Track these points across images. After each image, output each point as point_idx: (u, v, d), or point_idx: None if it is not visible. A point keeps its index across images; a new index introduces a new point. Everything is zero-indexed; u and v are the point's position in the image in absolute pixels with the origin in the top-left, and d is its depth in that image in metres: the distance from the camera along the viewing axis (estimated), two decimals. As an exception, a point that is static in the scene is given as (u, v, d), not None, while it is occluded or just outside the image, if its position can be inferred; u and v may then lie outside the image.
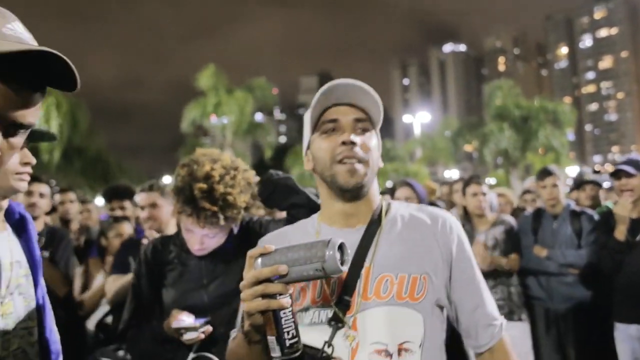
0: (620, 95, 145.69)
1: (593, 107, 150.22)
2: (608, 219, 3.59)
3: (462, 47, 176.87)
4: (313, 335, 1.23)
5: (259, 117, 27.67)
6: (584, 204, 4.97)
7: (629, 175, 3.35)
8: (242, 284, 1.09)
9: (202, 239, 2.04)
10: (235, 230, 2.17)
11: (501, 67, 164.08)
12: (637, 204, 3.37)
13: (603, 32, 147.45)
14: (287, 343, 1.06)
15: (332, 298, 1.26)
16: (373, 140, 1.34)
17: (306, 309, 1.28)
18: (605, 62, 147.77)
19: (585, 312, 3.82)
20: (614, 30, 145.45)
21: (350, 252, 1.22)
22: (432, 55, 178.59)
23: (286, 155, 32.67)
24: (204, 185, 1.91)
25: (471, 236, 3.93)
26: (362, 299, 1.25)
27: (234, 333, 1.38)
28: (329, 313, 1.25)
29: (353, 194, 1.32)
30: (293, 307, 1.09)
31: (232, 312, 2.11)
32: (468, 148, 37.15)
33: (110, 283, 3.15)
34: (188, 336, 1.97)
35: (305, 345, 1.14)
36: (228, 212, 1.95)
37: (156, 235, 2.94)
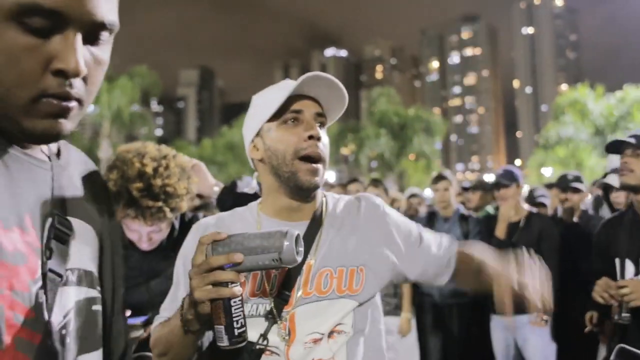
0: (481, 110, 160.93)
1: (458, 119, 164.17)
2: (490, 222, 4.05)
3: (343, 53, 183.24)
4: (249, 328, 1.18)
5: (135, 107, 26.22)
6: (469, 207, 5.47)
7: (505, 186, 3.77)
8: (191, 270, 1.05)
9: (150, 235, 1.97)
10: (177, 225, 2.11)
11: (379, 75, 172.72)
12: (514, 210, 3.82)
13: (469, 51, 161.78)
14: (236, 332, 1.03)
15: (271, 292, 1.25)
16: (326, 136, 1.32)
17: (244, 301, 1.22)
18: (470, 79, 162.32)
19: (469, 306, 4.19)
20: (477, 51, 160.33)
21: None
22: (314, 58, 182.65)
23: (165, 149, 31.59)
24: (140, 184, 1.82)
25: None
26: (302, 293, 1.25)
27: (159, 319, 1.32)
28: (267, 306, 1.24)
29: (307, 193, 1.30)
30: (242, 296, 1.05)
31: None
32: (345, 151, 38.59)
33: None
34: (134, 334, 1.89)
35: None
36: (172, 203, 1.89)
37: None
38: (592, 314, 3.22)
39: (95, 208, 0.88)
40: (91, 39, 0.66)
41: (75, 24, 0.63)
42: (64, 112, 0.66)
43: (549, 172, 29.52)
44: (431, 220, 4.41)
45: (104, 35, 0.67)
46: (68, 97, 0.65)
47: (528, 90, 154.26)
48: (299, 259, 1.05)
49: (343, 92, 1.29)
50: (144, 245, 2.00)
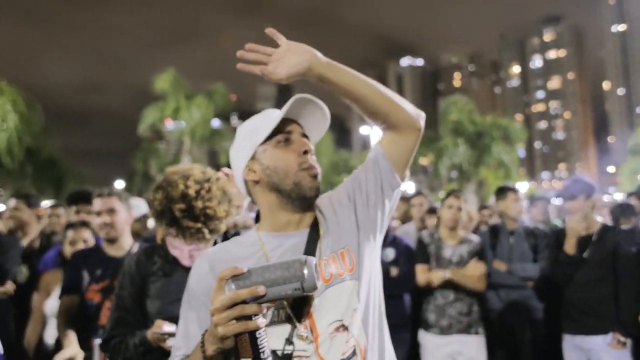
0: (567, 114, 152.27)
1: (542, 125, 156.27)
2: (558, 235, 3.83)
3: (420, 62, 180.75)
4: (272, 336, 1.24)
5: (216, 123, 27.32)
6: (536, 219, 5.25)
7: (572, 198, 3.60)
8: (213, 307, 1.06)
9: (190, 253, 2.08)
10: (219, 241, 2.20)
11: (457, 83, 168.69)
12: (586, 223, 3.61)
13: (552, 54, 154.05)
14: None
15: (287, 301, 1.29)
16: None
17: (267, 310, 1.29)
18: (554, 83, 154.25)
19: (540, 324, 4.02)
20: (562, 53, 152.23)
21: (299, 251, 1.32)
22: (390, 68, 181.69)
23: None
24: (182, 205, 1.94)
25: (440, 246, 3.93)
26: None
27: (177, 356, 1.35)
28: (287, 310, 1.28)
29: (310, 201, 1.39)
30: (265, 327, 1.07)
31: None
32: (423, 161, 37.91)
33: (59, 312, 2.96)
34: (171, 342, 2.00)
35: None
36: (211, 225, 2.00)
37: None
38: None
39: None
40: None
41: None
42: None
43: (644, 179, 27.39)
44: (494, 234, 4.28)
45: None
46: None
47: (620, 92, 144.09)
48: (319, 284, 1.08)
49: (324, 109, 1.40)
50: (186, 262, 2.11)
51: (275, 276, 1.05)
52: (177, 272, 2.16)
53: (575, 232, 3.59)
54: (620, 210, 4.89)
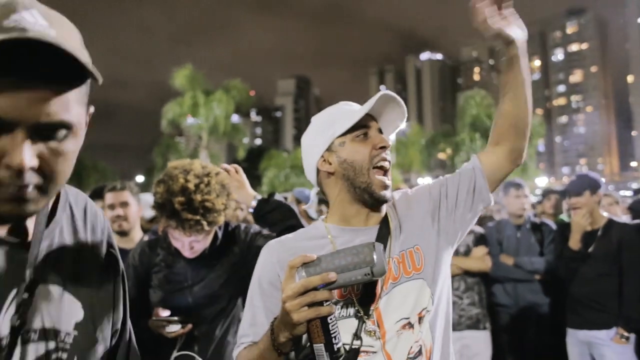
0: (589, 108, 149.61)
1: (563, 119, 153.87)
2: (564, 230, 3.87)
3: (439, 56, 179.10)
4: (342, 328, 1.25)
5: (235, 118, 27.49)
6: (548, 212, 5.25)
7: (576, 194, 3.59)
8: (285, 295, 1.08)
9: (191, 244, 2.15)
10: (220, 234, 2.28)
11: (476, 77, 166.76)
12: (589, 218, 3.62)
13: (574, 47, 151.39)
14: (335, 348, 1.07)
15: (356, 292, 1.32)
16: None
17: (334, 304, 1.31)
18: (576, 76, 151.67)
19: (545, 317, 4.03)
20: (584, 46, 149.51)
21: None
22: (409, 62, 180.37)
23: (261, 158, 32.60)
24: (182, 198, 2.00)
25: None
26: (384, 286, 1.34)
27: (241, 345, 1.40)
28: (356, 304, 1.31)
29: (380, 204, 1.41)
30: (335, 313, 1.10)
31: (215, 312, 2.25)
32: (441, 156, 37.73)
33: None
34: (170, 329, 2.09)
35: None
36: (209, 217, 2.05)
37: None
38: None
39: (87, 265, 0.97)
40: (47, 135, 0.74)
41: (21, 126, 0.70)
42: (21, 198, 0.74)
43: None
44: (500, 229, 4.30)
45: (61, 132, 0.75)
46: (23, 186, 0.73)
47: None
48: (387, 268, 1.11)
49: (403, 107, 1.44)
50: (187, 253, 2.19)
51: (345, 262, 1.07)
52: (179, 263, 2.25)
53: (580, 228, 3.60)
54: (638, 206, 4.86)
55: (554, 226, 4.24)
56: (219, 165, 2.36)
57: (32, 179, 0.73)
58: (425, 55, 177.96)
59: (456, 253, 3.95)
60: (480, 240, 4.06)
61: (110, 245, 1.05)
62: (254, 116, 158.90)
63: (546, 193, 5.55)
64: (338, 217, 1.44)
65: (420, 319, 1.33)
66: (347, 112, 1.41)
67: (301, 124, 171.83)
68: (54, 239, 0.92)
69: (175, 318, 2.09)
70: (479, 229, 4.24)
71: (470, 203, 1.45)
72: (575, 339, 3.64)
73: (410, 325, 1.31)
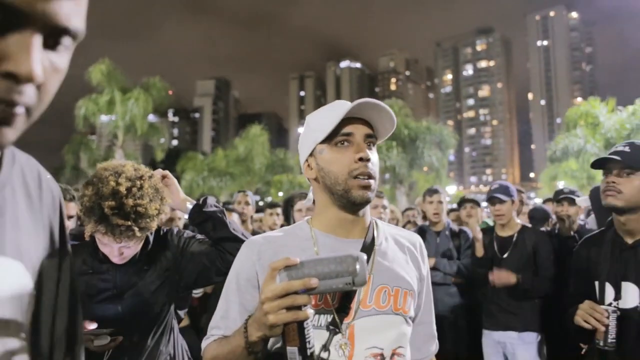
0: (495, 122, 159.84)
1: (472, 131, 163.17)
2: (484, 234, 4.06)
3: (358, 65, 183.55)
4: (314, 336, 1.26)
5: (151, 117, 26.47)
6: (464, 220, 5.51)
7: (501, 201, 3.82)
8: (265, 296, 1.08)
9: (121, 250, 2.03)
10: (151, 238, 2.17)
11: (393, 87, 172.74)
12: (507, 225, 3.85)
13: (483, 63, 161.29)
14: (308, 352, 1.08)
15: (332, 303, 1.29)
16: (376, 154, 1.39)
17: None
18: (484, 91, 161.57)
19: (462, 319, 4.23)
20: (492, 63, 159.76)
21: None
22: (329, 69, 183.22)
23: (178, 159, 31.65)
24: (112, 202, 1.87)
25: None
26: (361, 306, 1.30)
27: (211, 337, 1.37)
28: (328, 317, 1.28)
29: (360, 207, 1.36)
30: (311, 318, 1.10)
31: (147, 321, 2.12)
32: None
33: None
34: (98, 342, 1.94)
35: None
36: (142, 223, 1.93)
37: None
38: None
39: (40, 229, 0.80)
40: (51, 43, 0.58)
41: (35, 25, 0.55)
42: (8, 120, 0.56)
43: (561, 186, 29.25)
44: (422, 235, 4.46)
45: (66, 41, 0.59)
46: (14, 104, 0.56)
47: (542, 102, 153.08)
48: (367, 279, 1.12)
49: (391, 114, 1.36)
50: (116, 259, 2.06)
51: (328, 269, 1.08)
52: (107, 269, 2.11)
53: (479, 236, 3.90)
54: (538, 214, 5.24)
55: (471, 234, 4.46)
56: (156, 165, 2.25)
57: (28, 98, 0.57)
58: (344, 63, 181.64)
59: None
60: None
61: (62, 217, 0.90)
62: (171, 116, 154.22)
63: (462, 202, 5.81)
64: (322, 222, 1.41)
65: (393, 355, 1.32)
66: (334, 114, 1.34)
67: (220, 126, 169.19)
68: (5, 202, 0.74)
69: (104, 330, 1.95)
70: None
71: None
72: (491, 340, 3.85)
73: (382, 357, 1.30)
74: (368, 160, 1.32)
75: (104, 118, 25.27)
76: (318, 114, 1.44)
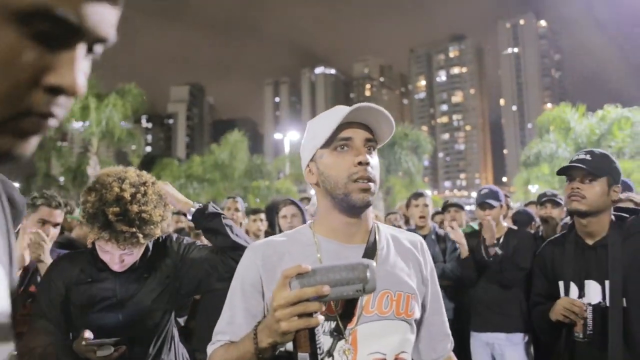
0: (468, 127, 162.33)
1: (445, 136, 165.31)
2: (469, 237, 4.14)
3: (333, 71, 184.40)
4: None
5: (124, 124, 26.04)
6: (447, 225, 5.57)
7: (491, 207, 3.90)
8: (277, 303, 1.08)
9: (122, 257, 2.00)
10: (150, 245, 2.14)
11: (368, 93, 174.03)
12: (495, 230, 3.93)
13: (456, 70, 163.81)
14: (319, 358, 1.09)
15: (336, 309, 1.30)
16: (376, 158, 1.39)
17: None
18: (457, 97, 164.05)
19: (450, 322, 4.27)
20: (464, 69, 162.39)
21: None
22: (304, 75, 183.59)
23: (153, 166, 31.21)
24: (117, 209, 1.85)
25: None
26: (364, 312, 1.31)
27: (220, 341, 1.37)
28: (331, 324, 1.29)
29: (361, 211, 1.37)
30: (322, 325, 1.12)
31: (148, 330, 2.09)
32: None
33: None
34: (101, 353, 1.91)
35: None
36: (146, 229, 1.92)
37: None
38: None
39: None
40: (86, 51, 0.56)
41: (84, 40, 0.53)
42: (40, 131, 0.54)
43: (534, 190, 29.80)
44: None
45: (99, 48, 0.57)
46: (52, 116, 0.54)
47: (513, 108, 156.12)
48: (377, 286, 1.12)
49: (389, 118, 1.36)
50: (116, 267, 2.03)
51: (340, 277, 1.09)
52: (106, 277, 2.07)
53: (464, 243, 3.98)
54: (521, 218, 5.35)
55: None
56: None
57: (64, 109, 0.54)
58: (319, 69, 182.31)
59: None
60: None
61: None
62: (145, 122, 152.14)
63: (446, 206, 5.88)
64: (325, 227, 1.41)
65: None
66: (333, 119, 1.35)
67: (194, 132, 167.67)
68: None
69: (108, 340, 1.90)
70: None
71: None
72: (479, 341, 3.91)
73: None
74: (367, 163, 1.33)
75: (76, 124, 24.77)
76: (318, 119, 1.44)
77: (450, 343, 1.55)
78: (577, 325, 2.21)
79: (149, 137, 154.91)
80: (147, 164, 32.37)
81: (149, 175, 2.07)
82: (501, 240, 3.91)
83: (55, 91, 0.52)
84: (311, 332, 1.09)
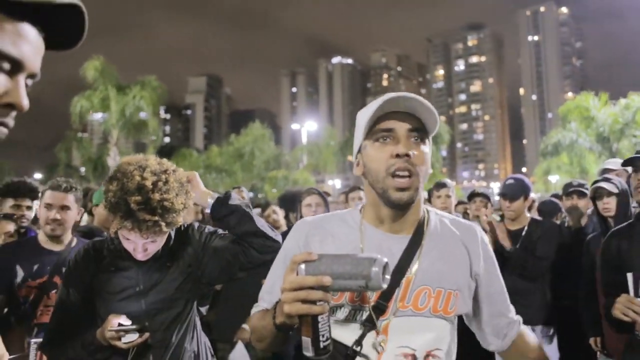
0: (486, 117, 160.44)
1: (464, 126, 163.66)
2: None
3: (350, 61, 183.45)
4: (344, 331, 1.30)
5: (143, 115, 26.32)
6: (473, 214, 5.51)
7: (513, 198, 3.83)
8: (283, 286, 1.11)
9: (145, 246, 2.00)
10: (172, 234, 2.14)
11: (385, 83, 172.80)
12: (516, 219, 3.88)
13: (474, 59, 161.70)
14: (321, 345, 1.10)
15: (369, 300, 1.30)
16: (426, 149, 1.35)
17: (342, 305, 1.32)
18: (475, 86, 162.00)
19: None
20: (483, 58, 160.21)
21: (395, 260, 1.32)
22: (320, 65, 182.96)
23: (171, 157, 31.53)
24: (139, 197, 1.84)
25: None
26: (398, 306, 1.30)
27: (258, 307, 1.47)
28: (364, 313, 1.30)
29: (401, 207, 1.34)
30: (329, 313, 1.12)
31: (171, 318, 2.10)
32: (350, 159, 38.55)
33: None
34: (128, 338, 1.91)
35: (334, 341, 1.18)
36: (168, 218, 1.91)
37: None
38: (595, 339, 3.31)
39: None
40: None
41: (25, 72, 0.73)
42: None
43: (554, 180, 29.37)
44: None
45: (29, 81, 0.78)
46: (6, 126, 0.74)
47: (533, 97, 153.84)
48: (385, 286, 1.10)
49: (427, 106, 1.30)
50: (140, 256, 2.03)
51: (343, 270, 1.09)
52: (129, 266, 2.08)
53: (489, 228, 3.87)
54: (547, 207, 5.26)
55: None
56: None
57: (12, 121, 0.76)
58: (336, 60, 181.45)
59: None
60: None
61: None
62: (163, 113, 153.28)
63: (472, 196, 5.81)
64: (371, 215, 1.41)
65: (427, 357, 1.30)
66: (371, 110, 1.31)
67: (212, 123, 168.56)
68: None
69: (133, 326, 1.92)
70: None
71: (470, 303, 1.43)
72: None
73: (414, 357, 1.29)
74: (407, 155, 1.28)
75: (96, 115, 25.10)
76: (365, 109, 1.40)
77: (518, 323, 1.51)
78: (637, 324, 2.14)
79: (167, 128, 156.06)
80: (166, 154, 32.55)
81: (170, 163, 2.06)
82: (524, 231, 3.84)
83: (10, 108, 0.73)
84: (314, 318, 1.09)
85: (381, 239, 1.37)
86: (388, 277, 1.10)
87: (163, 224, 1.91)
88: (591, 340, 3.42)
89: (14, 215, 3.45)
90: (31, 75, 0.76)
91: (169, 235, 2.12)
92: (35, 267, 2.75)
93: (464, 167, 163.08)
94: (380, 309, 1.29)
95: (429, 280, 1.32)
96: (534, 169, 38.25)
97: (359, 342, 1.28)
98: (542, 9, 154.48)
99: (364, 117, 1.35)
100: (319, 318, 1.10)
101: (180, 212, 1.97)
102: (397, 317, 1.29)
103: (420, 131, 1.33)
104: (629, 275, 2.25)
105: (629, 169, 2.64)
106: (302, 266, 1.11)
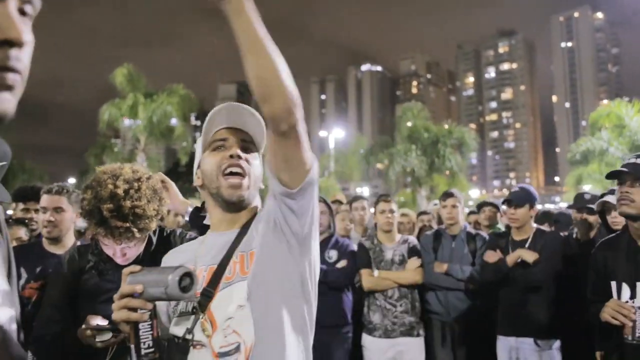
0: (518, 125, 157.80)
1: (494, 134, 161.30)
2: (493, 239, 4.05)
3: (379, 68, 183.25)
4: (182, 325, 1.37)
5: (173, 122, 26.84)
6: (483, 224, 5.42)
7: (518, 205, 3.76)
8: (114, 295, 1.23)
9: (123, 251, 2.07)
10: (154, 239, 2.20)
11: (414, 90, 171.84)
12: (522, 229, 3.82)
13: (505, 66, 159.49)
14: (142, 352, 1.19)
15: (199, 290, 1.35)
16: (256, 159, 1.48)
17: (182, 300, 1.38)
18: (507, 94, 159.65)
19: (475, 324, 4.14)
20: (514, 65, 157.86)
21: (223, 249, 1.40)
22: (350, 73, 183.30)
23: (201, 162, 31.98)
24: (110, 205, 1.91)
25: (380, 250, 4.20)
26: (221, 287, 1.39)
27: None
28: (195, 303, 1.37)
29: (236, 206, 1.45)
30: (154, 322, 1.22)
31: None
32: (379, 166, 38.33)
33: None
34: (101, 337, 1.95)
35: (173, 336, 1.33)
36: (140, 224, 1.98)
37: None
38: (601, 353, 3.22)
39: None
40: (23, 7, 0.60)
41: None
42: (10, 86, 0.57)
43: (587, 189, 28.58)
44: (437, 238, 4.40)
45: (29, 8, 0.61)
46: (13, 70, 0.57)
47: (567, 105, 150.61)
48: (188, 295, 1.19)
49: (256, 116, 1.45)
50: (119, 260, 2.11)
51: (152, 278, 1.19)
52: (111, 270, 2.14)
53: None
54: (563, 218, 5.15)
55: (487, 237, 4.38)
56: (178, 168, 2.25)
57: (22, 63, 0.58)
58: (366, 67, 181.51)
59: (391, 262, 4.13)
60: (414, 251, 4.20)
61: None
62: (194, 120, 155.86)
63: (481, 205, 5.74)
64: (213, 223, 1.52)
65: (237, 311, 1.36)
66: (207, 125, 1.48)
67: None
68: None
69: (107, 326, 1.96)
70: (414, 240, 4.33)
71: (284, 207, 1.37)
72: (504, 345, 3.78)
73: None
74: (238, 156, 1.41)
75: (127, 122, 25.70)
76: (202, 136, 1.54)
77: None
78: (625, 328, 2.22)
79: (197, 135, 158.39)
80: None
81: (144, 171, 2.13)
82: (529, 241, 3.77)
83: (5, 45, 0.56)
84: (136, 326, 1.20)
85: (214, 238, 1.48)
86: (194, 285, 1.19)
87: (135, 230, 1.97)
88: (597, 354, 3.32)
89: (25, 219, 3.56)
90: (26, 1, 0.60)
91: (150, 240, 2.18)
92: (38, 269, 2.85)
93: (494, 176, 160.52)
94: (207, 295, 1.36)
95: (242, 250, 1.41)
96: (566, 178, 37.36)
97: (190, 330, 1.34)
98: (576, 14, 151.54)
99: (203, 135, 1.50)
100: (140, 326, 1.20)
101: (153, 218, 2.03)
102: (217, 295, 1.36)
103: (250, 143, 1.48)
104: (613, 284, 2.45)
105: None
106: (129, 277, 1.23)
